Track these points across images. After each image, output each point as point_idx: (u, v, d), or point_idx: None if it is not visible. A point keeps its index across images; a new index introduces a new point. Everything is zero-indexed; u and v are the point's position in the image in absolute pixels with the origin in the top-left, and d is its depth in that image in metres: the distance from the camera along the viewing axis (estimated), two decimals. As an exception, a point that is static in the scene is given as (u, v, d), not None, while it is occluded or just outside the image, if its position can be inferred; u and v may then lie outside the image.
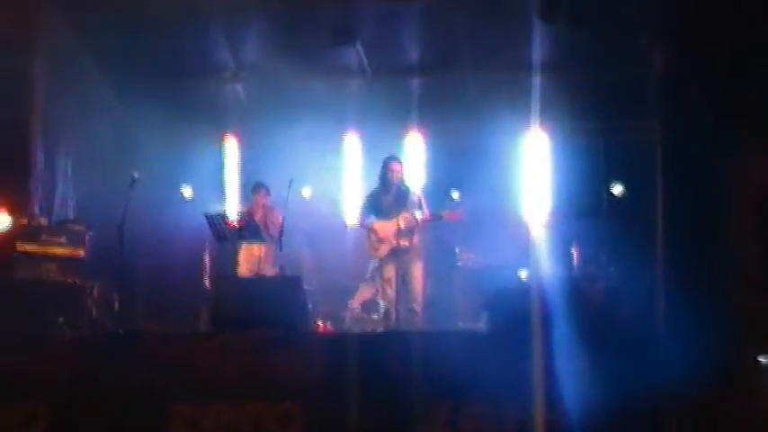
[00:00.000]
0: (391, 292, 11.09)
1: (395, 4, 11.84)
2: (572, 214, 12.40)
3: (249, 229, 11.63)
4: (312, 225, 12.83)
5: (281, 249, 10.97)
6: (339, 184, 13.33)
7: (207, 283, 12.22)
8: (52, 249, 11.13)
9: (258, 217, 11.99)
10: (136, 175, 10.66)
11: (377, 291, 11.43)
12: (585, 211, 12.32)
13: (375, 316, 11.36)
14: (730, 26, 8.59)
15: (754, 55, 8.64)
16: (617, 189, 12.28)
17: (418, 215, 11.11)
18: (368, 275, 11.70)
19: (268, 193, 12.23)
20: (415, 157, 13.06)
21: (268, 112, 12.85)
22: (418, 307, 11.12)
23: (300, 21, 11.87)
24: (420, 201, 11.37)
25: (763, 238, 8.56)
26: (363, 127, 13.25)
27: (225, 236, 11.55)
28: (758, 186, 8.63)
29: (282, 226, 11.01)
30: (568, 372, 7.85)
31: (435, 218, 11.22)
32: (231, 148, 13.58)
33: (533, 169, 12.87)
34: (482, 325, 9.72)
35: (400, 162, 11.56)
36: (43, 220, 11.75)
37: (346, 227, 13.00)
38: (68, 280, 10.89)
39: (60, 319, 10.14)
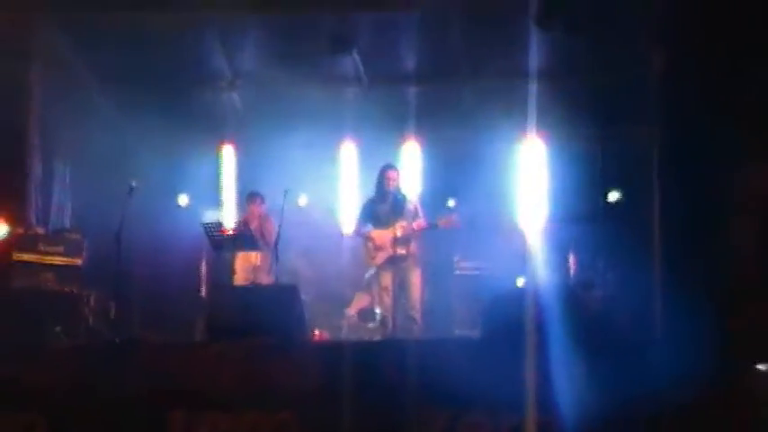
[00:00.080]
0: (388, 300, 11.10)
1: (391, 13, 11.84)
2: (569, 221, 12.39)
3: (245, 237, 11.63)
4: (308, 234, 12.83)
5: (277, 258, 10.97)
6: (335, 193, 13.34)
7: (203, 291, 12.21)
8: (49, 258, 11.13)
9: (254, 226, 12.00)
10: (133, 183, 10.67)
11: (373, 299, 11.42)
12: (582, 217, 12.32)
13: (372, 324, 11.36)
14: (729, 30, 8.58)
15: (754, 59, 8.63)
16: (613, 196, 12.29)
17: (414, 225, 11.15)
18: (365, 284, 11.69)
19: (263, 201, 12.25)
20: (411, 165, 13.07)
21: (264, 120, 12.85)
22: (417, 314, 11.13)
23: (297, 29, 11.87)
24: (416, 209, 11.39)
25: (762, 244, 8.57)
26: (360, 135, 13.26)
27: (221, 245, 11.54)
28: (758, 192, 8.63)
29: (278, 234, 11.00)
30: (566, 378, 7.85)
31: (431, 226, 11.23)
32: (228, 156, 13.58)
33: (530, 176, 12.87)
34: (477, 333, 9.70)
35: (397, 170, 11.58)
36: (40, 230, 11.76)
37: (343, 235, 13.00)
38: (65, 289, 10.88)
39: (57, 328, 10.14)
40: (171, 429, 8.34)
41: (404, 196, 11.45)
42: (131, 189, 10.59)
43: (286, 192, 11.14)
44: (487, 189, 12.42)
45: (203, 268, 12.40)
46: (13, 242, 11.16)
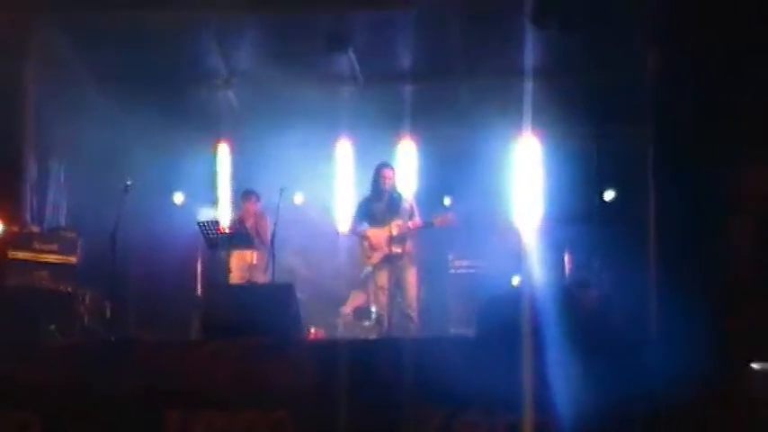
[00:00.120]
0: (384, 298, 11.10)
1: (387, 12, 11.83)
2: (564, 221, 12.39)
3: (240, 236, 11.61)
4: (304, 232, 12.82)
5: (273, 256, 10.96)
6: (331, 191, 13.32)
7: (199, 290, 12.20)
8: (44, 257, 11.10)
9: (249, 224, 11.99)
10: (128, 181, 10.66)
11: (369, 297, 11.42)
12: (578, 217, 12.31)
13: (367, 323, 11.34)
14: (724, 29, 8.59)
15: (749, 58, 8.64)
16: (609, 195, 12.28)
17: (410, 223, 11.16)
18: (360, 282, 11.68)
19: (258, 199, 12.24)
20: (407, 163, 13.06)
21: (260, 118, 12.82)
22: (413, 313, 11.13)
23: (293, 28, 11.86)
24: (412, 207, 11.39)
25: (758, 244, 8.57)
26: (356, 134, 13.25)
27: (217, 243, 11.53)
28: (754, 191, 8.64)
29: (273, 233, 11.00)
30: (562, 378, 7.85)
31: (426, 225, 11.23)
32: (223, 154, 13.56)
33: (525, 175, 12.86)
34: (473, 332, 9.71)
35: (392, 169, 11.59)
36: (35, 228, 11.74)
37: (338, 234, 12.99)
38: (60, 287, 10.86)
39: (52, 327, 10.12)
40: (166, 428, 8.36)
41: (399, 195, 11.45)
42: (126, 187, 10.58)
43: (282, 190, 11.13)
44: (483, 187, 12.43)
45: (199, 267, 12.38)
46: (7, 240, 11.13)
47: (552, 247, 12.08)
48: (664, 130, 8.94)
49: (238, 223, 12.01)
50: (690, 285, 8.17)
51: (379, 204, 11.40)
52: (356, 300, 11.74)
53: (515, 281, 11.54)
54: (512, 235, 12.52)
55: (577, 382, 7.78)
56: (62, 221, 12.59)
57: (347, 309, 11.71)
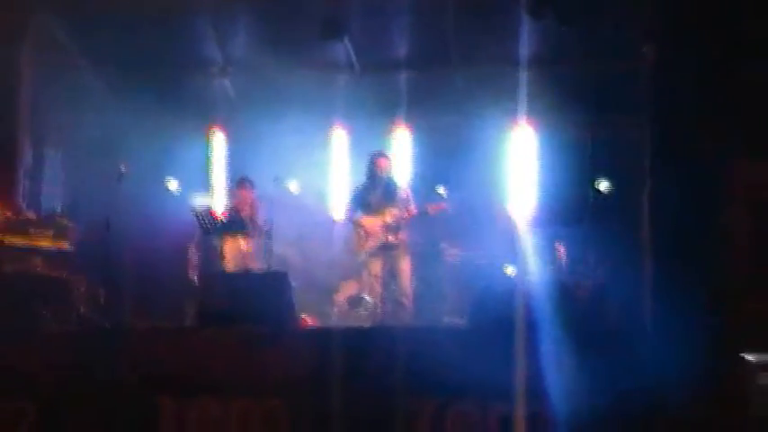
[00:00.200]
0: (378, 287, 11.12)
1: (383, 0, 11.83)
2: (558, 210, 12.39)
3: (235, 223, 11.62)
4: (299, 220, 12.80)
5: (268, 243, 10.97)
6: (326, 179, 13.31)
7: (193, 277, 12.18)
8: (39, 243, 11.08)
9: (244, 212, 11.98)
10: (123, 168, 10.65)
11: (363, 286, 11.43)
12: (572, 206, 12.31)
13: (361, 311, 11.35)
14: (720, 22, 8.60)
15: (745, 51, 8.65)
16: (603, 185, 12.27)
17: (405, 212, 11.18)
18: (354, 271, 11.69)
19: (253, 187, 12.22)
20: (402, 151, 13.06)
21: (255, 106, 12.80)
22: (407, 301, 11.15)
23: (288, 15, 11.84)
24: (407, 196, 11.40)
25: (754, 237, 8.59)
26: (351, 122, 13.23)
27: (211, 231, 11.53)
28: (749, 183, 8.66)
29: (268, 220, 11.00)
30: (555, 369, 7.88)
31: (421, 213, 11.24)
32: (218, 141, 13.55)
33: (520, 164, 12.87)
34: (466, 321, 9.73)
35: (387, 157, 11.60)
36: (30, 214, 11.71)
37: (333, 222, 12.99)
38: (55, 274, 10.84)
39: (46, 313, 10.11)
40: (161, 415, 8.39)
41: (395, 183, 11.47)
42: (121, 174, 10.58)
43: (276, 178, 11.13)
44: (478, 176, 12.42)
45: (193, 254, 12.35)
46: (2, 227, 11.10)
47: (546, 236, 12.08)
48: (659, 121, 8.95)
49: (233, 211, 12.01)
50: (685, 277, 8.19)
51: (374, 193, 11.40)
52: (350, 288, 11.74)
53: (509, 270, 11.55)
54: (506, 224, 12.51)
55: (571, 373, 7.80)
56: (57, 208, 12.57)
57: (341, 297, 11.72)
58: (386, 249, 11.16)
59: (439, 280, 12.03)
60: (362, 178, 11.62)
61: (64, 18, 11.88)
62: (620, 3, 10.69)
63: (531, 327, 8.13)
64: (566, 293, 8.75)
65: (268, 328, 8.71)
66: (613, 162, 12.09)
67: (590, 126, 12.63)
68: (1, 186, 11.67)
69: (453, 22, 11.96)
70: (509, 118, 12.64)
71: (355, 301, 11.50)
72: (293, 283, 9.85)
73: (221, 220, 11.68)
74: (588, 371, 7.75)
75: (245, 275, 11.02)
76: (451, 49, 12.43)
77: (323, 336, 9.09)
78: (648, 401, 7.77)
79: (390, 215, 11.17)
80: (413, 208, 11.29)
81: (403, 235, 11.24)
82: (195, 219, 11.51)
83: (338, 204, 12.93)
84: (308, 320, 11.26)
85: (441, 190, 12.44)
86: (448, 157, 12.78)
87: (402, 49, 12.66)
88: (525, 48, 11.80)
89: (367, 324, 10.97)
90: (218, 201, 13.17)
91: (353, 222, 11.52)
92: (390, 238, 11.12)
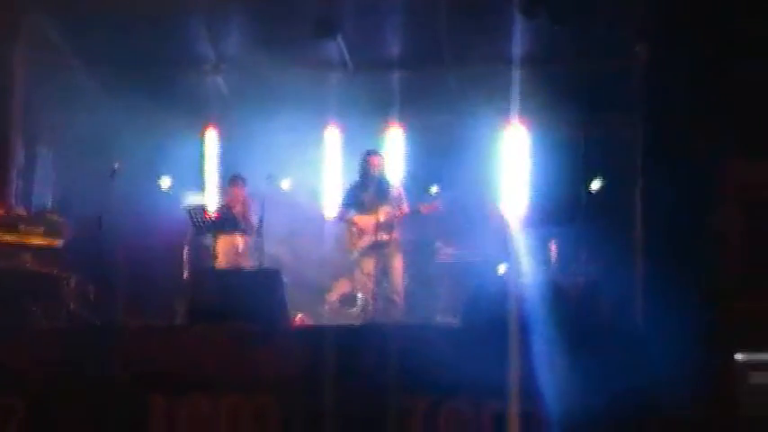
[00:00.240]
0: (371, 285, 11.11)
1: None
2: (551, 209, 12.39)
3: (227, 221, 11.59)
4: (291, 218, 12.80)
5: (260, 241, 10.96)
6: (319, 177, 13.30)
7: (185, 275, 12.16)
8: (30, 239, 11.03)
9: (236, 209, 11.96)
10: (115, 166, 10.64)
11: (355, 284, 11.41)
12: (565, 205, 12.31)
13: (353, 309, 11.34)
14: (713, 21, 8.60)
15: (738, 50, 8.66)
16: (596, 185, 12.25)
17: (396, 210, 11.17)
18: (347, 269, 11.68)
19: (245, 184, 12.21)
20: (395, 150, 13.04)
21: (248, 104, 12.80)
22: (399, 300, 11.14)
23: (282, 14, 11.82)
24: (400, 195, 11.39)
25: (746, 237, 8.59)
26: (344, 120, 13.22)
27: (204, 228, 11.51)
28: (742, 182, 8.66)
29: (260, 218, 10.99)
30: (548, 367, 7.87)
31: (413, 212, 11.24)
32: (211, 139, 13.52)
33: (513, 163, 12.86)
34: (459, 320, 9.72)
35: (380, 156, 11.60)
36: (21, 211, 11.68)
37: (326, 220, 12.98)
38: (45, 270, 10.80)
39: (36, 310, 10.08)
40: (151, 412, 8.36)
41: (387, 182, 11.46)
42: (113, 172, 10.57)
43: (269, 176, 11.11)
44: (471, 175, 12.43)
45: (185, 251, 12.32)
46: (-8, 223, 11.08)
47: (539, 236, 12.07)
48: (652, 120, 8.95)
49: (225, 208, 11.98)
50: (677, 277, 8.19)
51: (367, 191, 11.39)
52: (342, 286, 11.74)
53: (502, 269, 11.54)
54: (499, 223, 12.50)
55: (563, 372, 7.79)
56: (48, 204, 12.54)
57: (333, 295, 11.72)
58: (378, 248, 11.15)
59: (431, 278, 12.03)
60: (355, 177, 11.60)
61: (56, 17, 11.84)
62: (613, 2, 10.69)
63: (524, 325, 8.12)
64: (558, 292, 8.75)
65: (259, 326, 8.69)
66: (606, 161, 12.08)
67: (583, 125, 12.62)
68: (-8, 183, 11.65)
69: (446, 22, 11.95)
70: (502, 117, 12.66)
71: (348, 300, 11.50)
72: (285, 281, 9.83)
73: (213, 218, 11.64)
74: (580, 370, 7.74)
75: (236, 273, 11.01)
76: (444, 49, 12.43)
77: (315, 334, 9.09)
78: (641, 400, 7.77)
79: (383, 214, 11.15)
80: (405, 207, 11.29)
81: (395, 233, 11.23)
82: (187, 216, 11.47)
83: (331, 203, 12.91)
84: (302, 319, 11.25)
85: (433, 189, 12.44)
86: (441, 156, 12.79)
87: (395, 48, 12.65)
88: (518, 47, 11.81)
89: (359, 322, 10.96)
90: (210, 198, 13.14)
91: (346, 221, 11.51)
92: (383, 236, 11.11)
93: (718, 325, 8.07)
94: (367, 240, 11.18)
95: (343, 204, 11.70)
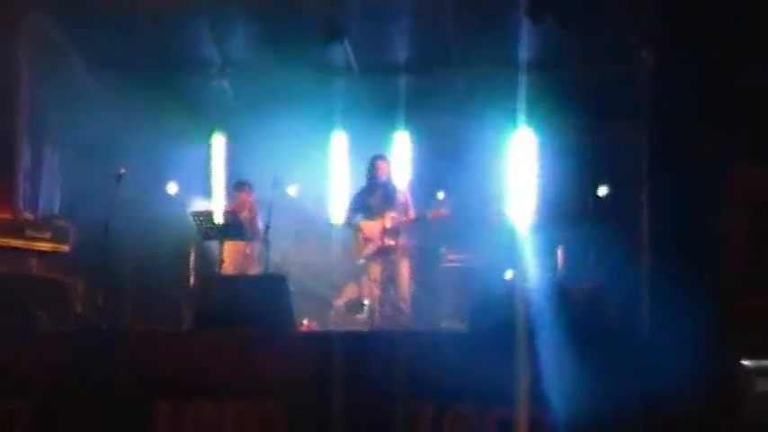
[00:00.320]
0: (377, 291, 11.10)
1: (383, 2, 11.79)
2: (558, 214, 12.37)
3: (233, 227, 11.58)
4: (298, 223, 12.80)
5: (267, 247, 10.95)
6: (326, 182, 13.28)
7: (191, 280, 12.16)
8: (36, 244, 11.04)
9: (243, 215, 11.96)
10: (122, 170, 10.65)
11: (362, 290, 11.40)
12: (571, 210, 12.30)
13: (360, 315, 11.33)
14: (719, 26, 8.60)
15: (743, 54, 8.65)
16: (602, 191, 12.25)
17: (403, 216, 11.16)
18: (353, 275, 11.67)
19: (252, 190, 12.22)
20: (401, 154, 13.02)
21: (254, 108, 12.79)
22: (406, 306, 11.12)
23: (288, 18, 11.81)
24: (406, 200, 11.38)
25: (751, 240, 8.58)
26: (350, 124, 13.20)
27: (210, 234, 11.51)
28: (747, 186, 8.66)
29: (267, 223, 10.99)
30: (554, 371, 7.85)
31: (420, 218, 11.23)
32: (218, 144, 13.51)
33: (520, 167, 12.84)
34: (465, 326, 9.71)
35: (387, 160, 11.58)
36: (28, 215, 11.69)
37: (332, 225, 12.96)
38: (52, 275, 10.81)
39: (42, 314, 10.07)
40: (157, 417, 8.35)
41: (394, 187, 11.45)
42: (120, 176, 10.58)
43: (275, 181, 11.11)
44: (477, 180, 12.41)
45: (192, 257, 12.33)
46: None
47: (546, 241, 12.05)
48: (658, 124, 8.94)
49: (232, 214, 11.97)
50: (683, 281, 8.16)
51: (373, 196, 11.40)
52: (349, 292, 11.73)
53: (508, 274, 11.52)
54: (505, 228, 12.48)
55: (570, 376, 7.77)
56: (56, 209, 12.55)
57: (340, 301, 11.71)
58: (385, 253, 11.15)
59: (438, 284, 12.01)
60: (363, 182, 11.59)
61: (63, 19, 11.85)
62: (619, 8, 10.66)
63: (531, 331, 8.10)
64: (564, 297, 8.72)
65: (266, 332, 8.69)
66: (613, 166, 12.06)
67: (590, 130, 12.59)
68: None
69: (453, 25, 11.93)
70: (509, 121, 12.61)
71: (354, 305, 11.49)
72: (292, 287, 9.83)
73: (220, 224, 11.63)
74: (587, 374, 7.72)
75: (242, 278, 11.02)
76: (451, 52, 12.40)
77: (321, 340, 9.09)
78: (647, 405, 7.74)
79: (390, 219, 11.16)
80: (412, 212, 11.28)
81: (402, 239, 11.22)
82: (194, 222, 11.46)
83: (337, 208, 12.89)
84: (308, 324, 11.25)
85: (440, 195, 12.43)
86: (447, 159, 12.78)
87: (402, 52, 12.63)
88: (525, 52, 11.78)
89: (366, 328, 10.95)
90: (217, 204, 13.12)
91: (353, 226, 11.50)
92: (389, 242, 11.10)
93: (725, 328, 8.05)
94: (373, 246, 11.17)
95: (349, 210, 11.70)
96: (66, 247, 11.11)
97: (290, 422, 8.19)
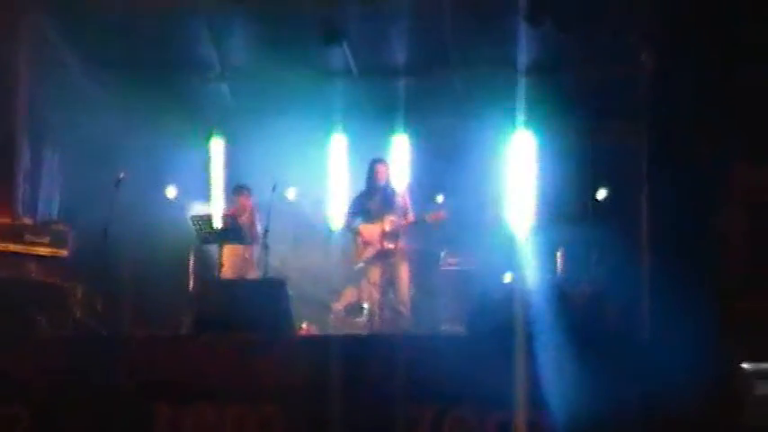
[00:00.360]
0: (377, 295, 11.09)
1: (382, 5, 11.78)
2: (557, 216, 12.36)
3: (232, 231, 11.56)
4: (297, 227, 12.79)
5: (266, 252, 10.94)
6: (325, 186, 13.27)
7: (190, 285, 12.15)
8: (35, 249, 11.03)
9: (243, 219, 11.95)
10: (121, 174, 10.65)
11: (361, 294, 11.39)
12: (571, 213, 12.29)
13: (359, 319, 11.32)
14: (718, 25, 8.60)
15: (742, 56, 8.65)
16: (601, 193, 12.24)
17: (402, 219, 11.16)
18: (353, 278, 11.66)
19: (251, 194, 12.21)
20: (400, 157, 13.01)
21: (253, 111, 12.78)
22: (405, 309, 11.11)
23: (286, 20, 11.80)
24: (406, 203, 11.37)
25: (751, 241, 8.58)
26: (349, 127, 13.19)
27: (209, 238, 11.49)
28: (747, 186, 8.66)
29: (266, 227, 10.98)
30: (553, 375, 7.85)
31: (419, 221, 11.22)
32: (216, 148, 13.50)
33: (520, 171, 12.82)
34: (464, 329, 9.70)
35: (386, 164, 11.58)
36: (27, 220, 11.68)
37: (331, 229, 12.95)
38: (51, 280, 10.79)
39: (41, 319, 10.06)
40: (156, 422, 8.36)
41: (393, 190, 11.44)
42: (119, 181, 10.58)
43: (275, 186, 11.10)
44: (476, 183, 12.40)
45: (191, 261, 12.32)
46: (-2, 232, 11.08)
47: (546, 243, 12.04)
48: (657, 125, 8.95)
49: (231, 218, 11.95)
50: (683, 281, 8.16)
51: (373, 200, 11.39)
52: (348, 296, 11.72)
53: (507, 278, 11.51)
54: (504, 231, 12.48)
55: (569, 379, 7.76)
56: (54, 213, 12.54)
57: (339, 305, 11.70)
58: (384, 257, 11.14)
59: (437, 287, 11.99)
60: (362, 186, 11.59)
61: (63, 20, 11.85)
62: (618, 9, 10.66)
63: (530, 334, 8.10)
64: (564, 300, 8.72)
65: (265, 336, 8.69)
66: (613, 167, 12.04)
67: (590, 132, 12.57)
68: (-1, 192, 11.66)
69: (451, 27, 11.93)
70: (508, 124, 12.59)
71: (354, 309, 11.48)
72: (291, 291, 9.82)
73: (219, 228, 11.62)
74: (586, 375, 7.72)
75: (241, 283, 11.02)
76: (450, 54, 12.39)
77: (320, 343, 9.11)
78: (647, 407, 7.74)
79: (389, 223, 11.15)
80: (411, 215, 11.28)
81: (401, 242, 11.21)
82: (193, 226, 11.46)
83: (336, 211, 12.88)
84: (307, 328, 11.24)
85: (439, 198, 12.42)
86: (447, 163, 12.75)
87: (400, 54, 12.61)
88: (524, 54, 11.78)
89: (365, 331, 10.94)
90: (216, 208, 13.11)
91: (352, 230, 11.50)
92: (389, 245, 11.09)
93: (725, 331, 8.05)
94: (372, 250, 11.17)
95: (349, 213, 11.69)
96: (65, 252, 11.10)
97: (289, 426, 8.20)
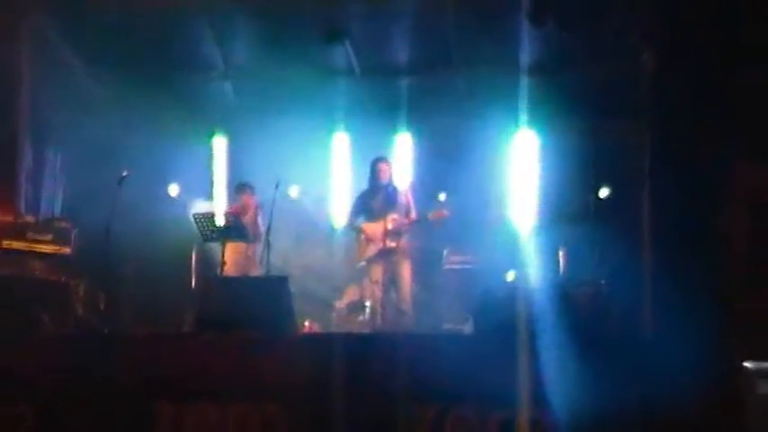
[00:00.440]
0: (379, 293, 11.10)
1: (384, 4, 11.79)
2: (560, 215, 12.36)
3: (235, 229, 11.57)
4: (299, 225, 12.80)
5: (268, 249, 10.95)
6: (327, 184, 13.28)
7: (193, 282, 12.15)
8: (38, 247, 11.03)
9: (245, 217, 11.96)
10: (124, 172, 10.67)
11: (364, 292, 11.40)
12: (573, 212, 12.29)
13: (361, 317, 11.32)
14: (719, 24, 8.61)
15: (743, 55, 8.66)
16: (603, 192, 12.24)
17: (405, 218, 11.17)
18: (355, 277, 11.67)
19: (253, 192, 12.22)
20: (403, 156, 13.02)
21: (256, 110, 12.79)
22: (407, 307, 11.13)
23: (289, 19, 11.81)
24: (408, 202, 11.38)
25: (753, 240, 8.59)
26: (352, 126, 13.20)
27: (212, 236, 11.50)
28: (749, 185, 8.66)
29: (268, 225, 10.99)
30: (556, 374, 7.86)
31: (422, 220, 11.23)
32: (219, 146, 13.51)
33: (522, 170, 12.83)
34: (468, 327, 9.71)
35: (388, 163, 11.59)
36: (29, 218, 11.68)
37: (334, 227, 12.96)
38: (54, 278, 10.79)
39: (45, 317, 10.07)
40: (159, 420, 8.36)
41: (396, 189, 11.45)
42: (122, 179, 10.59)
43: (277, 184, 11.11)
44: (479, 181, 12.41)
45: (193, 259, 12.33)
46: (1, 230, 11.07)
47: (548, 242, 12.05)
48: (659, 124, 8.96)
49: (233, 216, 11.96)
50: (685, 280, 8.17)
51: (375, 198, 11.41)
52: (351, 294, 11.73)
53: (510, 276, 11.51)
54: (507, 230, 12.48)
55: (572, 378, 7.77)
56: (57, 211, 12.55)
57: (341, 303, 11.70)
58: (387, 255, 11.15)
59: (439, 286, 12.01)
60: (365, 184, 11.60)
61: (64, 20, 11.85)
62: (620, 9, 10.66)
63: (532, 333, 8.11)
64: (566, 299, 8.72)
65: (267, 334, 8.69)
66: (615, 167, 12.04)
67: (592, 131, 12.57)
68: (1, 190, 11.62)
69: (454, 27, 11.94)
70: (511, 123, 12.61)
71: (356, 307, 11.48)
72: (293, 289, 9.83)
73: (222, 226, 11.63)
74: (589, 374, 7.73)
75: (244, 280, 11.02)
76: (453, 53, 12.40)
77: (322, 342, 9.09)
78: (648, 407, 7.75)
79: (391, 221, 11.16)
80: (413, 214, 11.29)
81: (404, 241, 11.23)
82: (196, 224, 11.46)
83: (338, 210, 12.89)
84: (310, 326, 11.24)
85: (441, 196, 12.43)
86: (449, 162, 12.76)
87: (404, 54, 12.62)
88: (526, 53, 11.78)
89: (367, 330, 10.95)
90: (218, 206, 13.12)
91: (355, 228, 11.51)
92: (391, 243, 11.10)
93: (726, 330, 8.06)
94: (375, 248, 11.18)
95: (351, 212, 11.71)
96: (67, 250, 11.10)
97: (292, 424, 8.20)
